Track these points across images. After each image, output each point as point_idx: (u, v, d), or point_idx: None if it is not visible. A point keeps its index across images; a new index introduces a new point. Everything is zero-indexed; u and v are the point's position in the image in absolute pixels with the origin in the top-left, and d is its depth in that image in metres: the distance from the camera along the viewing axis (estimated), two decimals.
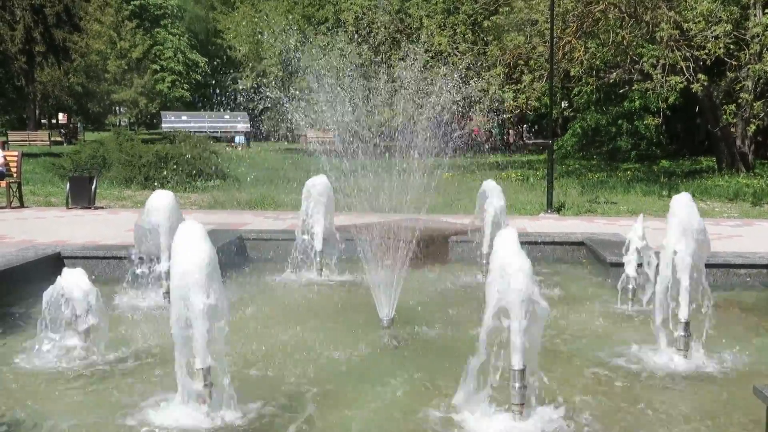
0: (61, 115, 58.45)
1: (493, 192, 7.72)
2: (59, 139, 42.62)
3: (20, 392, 4.51)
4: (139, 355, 5.16)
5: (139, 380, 4.69)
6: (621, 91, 25.23)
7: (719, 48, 17.62)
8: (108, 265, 7.74)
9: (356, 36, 23.60)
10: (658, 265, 5.30)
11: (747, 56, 18.37)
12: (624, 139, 29.61)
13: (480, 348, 3.88)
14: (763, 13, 19.38)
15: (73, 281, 5.00)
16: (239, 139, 44.27)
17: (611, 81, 22.03)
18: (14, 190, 14.81)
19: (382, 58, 19.58)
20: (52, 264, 7.16)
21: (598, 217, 13.40)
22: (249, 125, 47.66)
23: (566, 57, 20.16)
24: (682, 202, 5.10)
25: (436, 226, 9.34)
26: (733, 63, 18.85)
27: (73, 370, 4.89)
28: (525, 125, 37.79)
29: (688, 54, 18.34)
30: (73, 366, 4.93)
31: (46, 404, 4.33)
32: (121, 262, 7.63)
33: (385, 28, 24.93)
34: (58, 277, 5.06)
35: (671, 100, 19.34)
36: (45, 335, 5.04)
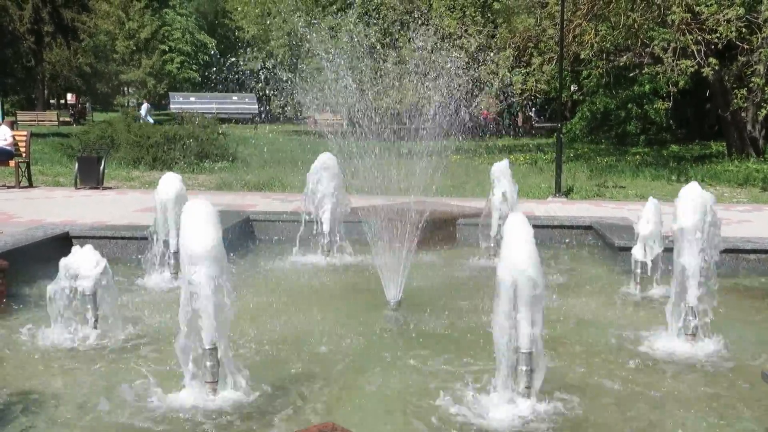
0: (69, 96, 58.41)
1: (502, 174, 7.70)
2: (68, 119, 42.64)
3: (29, 370, 4.54)
4: (149, 334, 5.19)
5: (146, 359, 4.71)
6: (631, 74, 25.01)
7: (731, 31, 17.41)
8: (116, 245, 7.78)
9: (365, 17, 23.43)
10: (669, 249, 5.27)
11: (759, 40, 18.14)
12: (633, 123, 29.41)
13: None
14: None
15: (84, 259, 5.01)
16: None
17: (621, 64, 21.82)
18: (23, 169, 14.86)
19: (390, 39, 19.47)
20: (60, 243, 7.18)
21: (607, 202, 13.35)
22: (257, 107, 47.40)
23: (576, 40, 19.97)
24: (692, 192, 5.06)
25: (443, 209, 9.32)
26: (745, 47, 18.63)
27: (84, 348, 4.90)
28: (534, 108, 37.57)
29: (699, 37, 18.14)
30: (84, 344, 4.95)
31: (55, 382, 4.35)
32: (130, 242, 7.69)
33: (394, 9, 24.73)
34: (69, 255, 5.07)
35: (681, 84, 19.14)
36: (57, 313, 5.03)
